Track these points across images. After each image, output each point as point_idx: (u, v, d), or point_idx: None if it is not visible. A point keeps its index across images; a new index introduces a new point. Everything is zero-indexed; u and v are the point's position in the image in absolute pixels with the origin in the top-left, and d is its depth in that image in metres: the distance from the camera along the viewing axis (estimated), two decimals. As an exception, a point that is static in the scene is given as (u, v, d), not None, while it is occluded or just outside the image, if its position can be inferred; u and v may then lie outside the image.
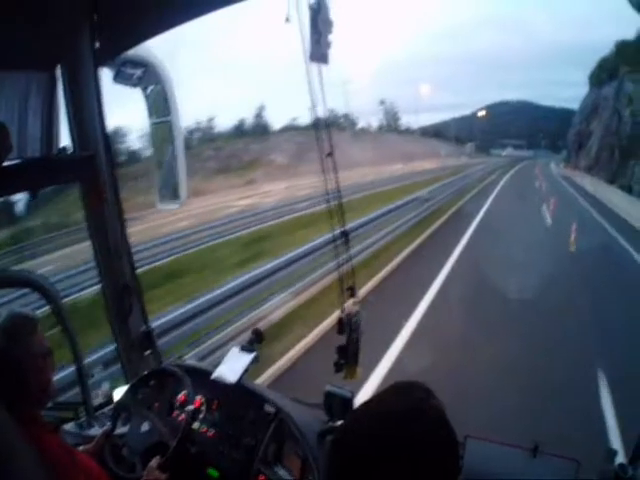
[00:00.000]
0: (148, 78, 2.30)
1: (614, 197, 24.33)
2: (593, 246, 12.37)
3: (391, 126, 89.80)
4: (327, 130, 1.84)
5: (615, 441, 4.40)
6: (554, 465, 1.70)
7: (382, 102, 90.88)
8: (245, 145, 55.84)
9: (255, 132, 62.98)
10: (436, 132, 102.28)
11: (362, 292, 7.93)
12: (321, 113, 1.70)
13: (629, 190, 26.68)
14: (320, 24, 1.66)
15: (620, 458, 1.69)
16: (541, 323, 7.30)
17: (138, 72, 2.27)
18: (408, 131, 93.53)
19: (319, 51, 1.69)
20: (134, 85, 2.33)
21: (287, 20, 1.58)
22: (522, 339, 6.74)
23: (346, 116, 75.66)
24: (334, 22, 1.70)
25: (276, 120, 72.27)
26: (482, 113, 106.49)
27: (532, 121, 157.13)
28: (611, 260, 11.71)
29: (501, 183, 37.16)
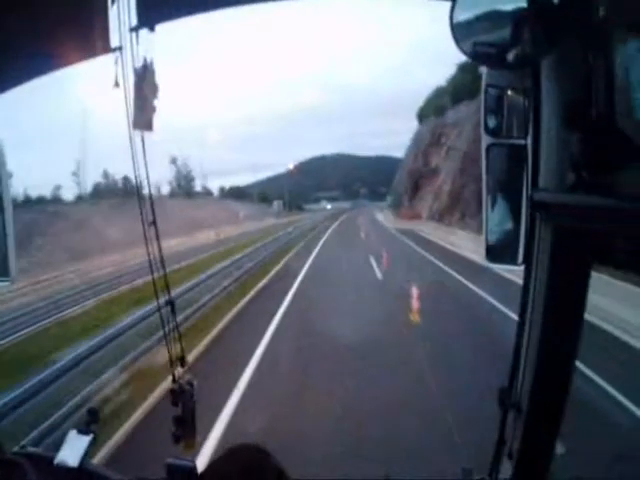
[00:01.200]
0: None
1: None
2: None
3: (182, 189, 77.21)
4: (150, 199, 1.80)
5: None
6: None
7: (173, 160, 78.68)
8: None
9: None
10: (240, 193, 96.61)
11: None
12: (144, 181, 1.67)
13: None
14: (145, 89, 1.61)
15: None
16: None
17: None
18: (204, 194, 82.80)
19: (143, 117, 1.63)
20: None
21: (116, 85, 1.51)
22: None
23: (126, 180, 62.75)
24: (160, 87, 1.68)
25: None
26: (292, 168, 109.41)
27: (348, 172, 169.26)
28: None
29: (297, 282, 17.44)
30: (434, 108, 50.27)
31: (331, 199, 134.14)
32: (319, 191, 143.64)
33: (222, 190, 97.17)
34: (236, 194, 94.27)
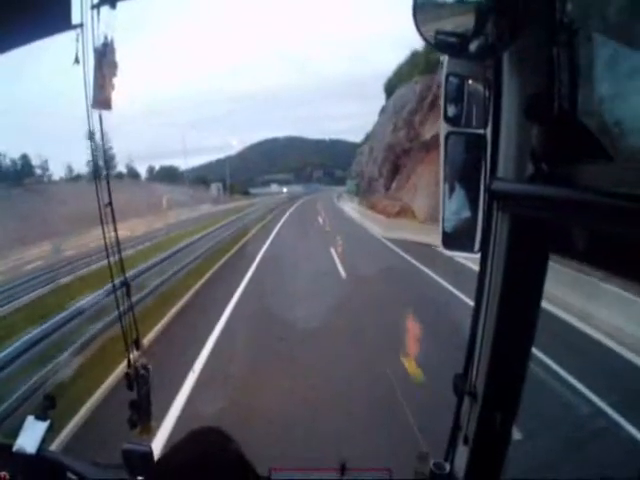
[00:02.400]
0: None
1: None
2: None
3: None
4: (107, 179, 1.78)
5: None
6: (365, 479, 1.85)
7: (90, 136, 62.14)
8: None
9: None
10: (172, 175, 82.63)
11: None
12: (101, 161, 1.66)
13: None
14: (105, 67, 1.60)
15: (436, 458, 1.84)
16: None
17: None
18: (128, 176, 67.59)
19: (102, 96, 1.62)
20: None
21: (76, 61, 1.50)
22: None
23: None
24: (119, 65, 1.68)
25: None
26: (237, 145, 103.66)
27: (301, 155, 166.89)
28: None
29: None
30: (422, 65, 38.99)
31: (282, 182, 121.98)
32: (271, 174, 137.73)
33: (151, 171, 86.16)
34: (168, 176, 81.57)
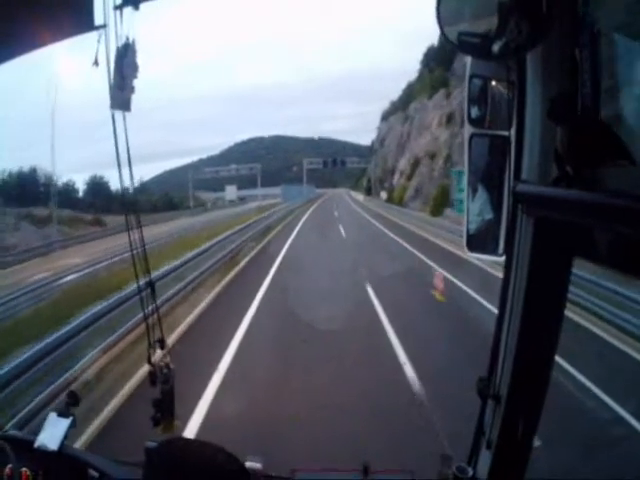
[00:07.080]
0: None
1: None
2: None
3: None
4: (131, 180, 1.82)
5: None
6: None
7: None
8: None
9: None
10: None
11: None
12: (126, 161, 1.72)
13: None
14: (125, 68, 1.62)
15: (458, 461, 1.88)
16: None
17: None
18: None
19: (122, 97, 1.65)
20: None
21: (95, 63, 1.53)
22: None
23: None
24: (139, 66, 1.69)
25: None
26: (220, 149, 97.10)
27: (285, 154, 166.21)
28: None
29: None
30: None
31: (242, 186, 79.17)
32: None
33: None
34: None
